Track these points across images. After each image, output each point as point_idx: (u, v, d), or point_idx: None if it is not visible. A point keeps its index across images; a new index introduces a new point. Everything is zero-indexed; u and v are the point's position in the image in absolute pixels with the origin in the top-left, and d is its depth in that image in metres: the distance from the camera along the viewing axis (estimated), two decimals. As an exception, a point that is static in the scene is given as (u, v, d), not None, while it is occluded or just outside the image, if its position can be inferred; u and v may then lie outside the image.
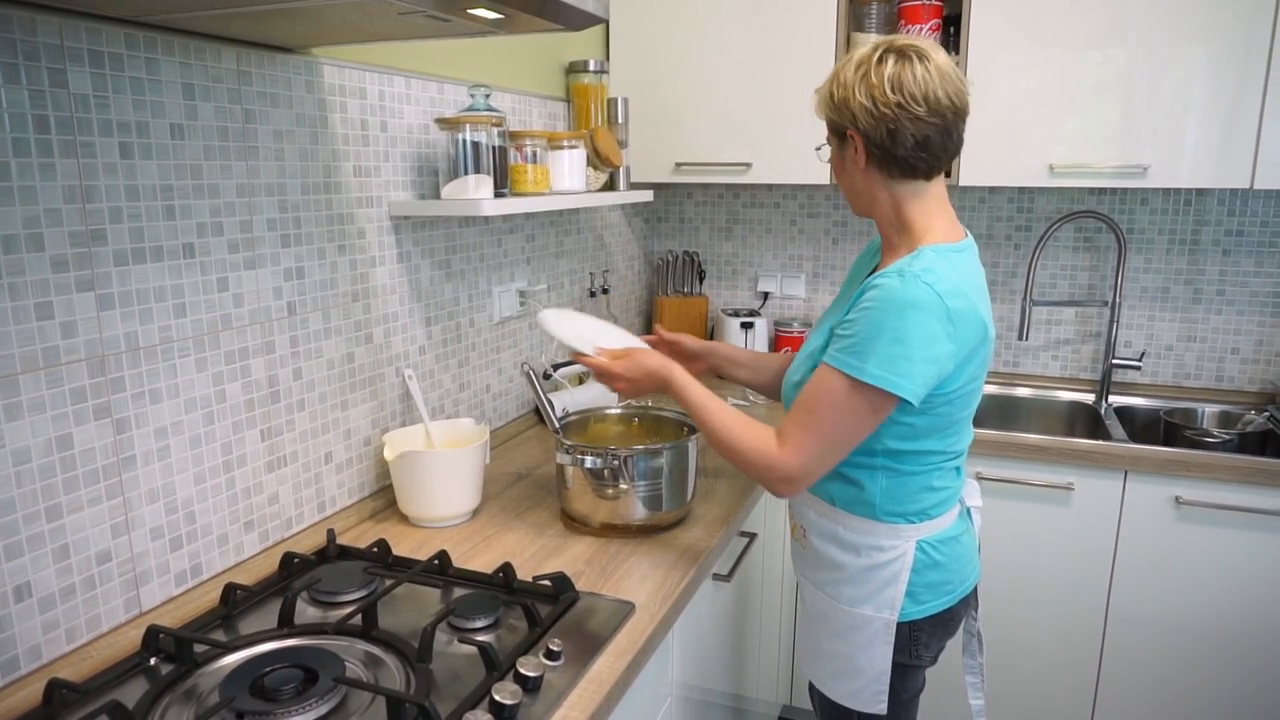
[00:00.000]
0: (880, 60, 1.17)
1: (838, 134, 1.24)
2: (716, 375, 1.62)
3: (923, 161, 1.20)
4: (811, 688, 1.46)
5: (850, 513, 1.29)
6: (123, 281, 1.10)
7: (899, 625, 1.29)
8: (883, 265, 1.27)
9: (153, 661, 1.08)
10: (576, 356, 1.46)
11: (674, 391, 1.33)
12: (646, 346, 1.45)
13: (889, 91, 1.15)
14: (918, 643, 1.32)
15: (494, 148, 1.56)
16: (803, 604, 1.45)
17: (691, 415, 1.32)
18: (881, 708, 1.33)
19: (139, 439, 1.14)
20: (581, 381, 2.14)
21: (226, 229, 1.24)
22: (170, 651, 1.08)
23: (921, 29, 2.11)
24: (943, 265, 1.16)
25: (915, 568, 1.28)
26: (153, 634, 1.09)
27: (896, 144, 1.18)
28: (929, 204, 1.24)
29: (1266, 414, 2.17)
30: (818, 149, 1.35)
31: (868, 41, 2.14)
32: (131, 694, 1.01)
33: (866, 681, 1.33)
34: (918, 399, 1.15)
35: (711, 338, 2.65)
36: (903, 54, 1.17)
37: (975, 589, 1.40)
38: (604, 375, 1.39)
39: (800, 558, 1.42)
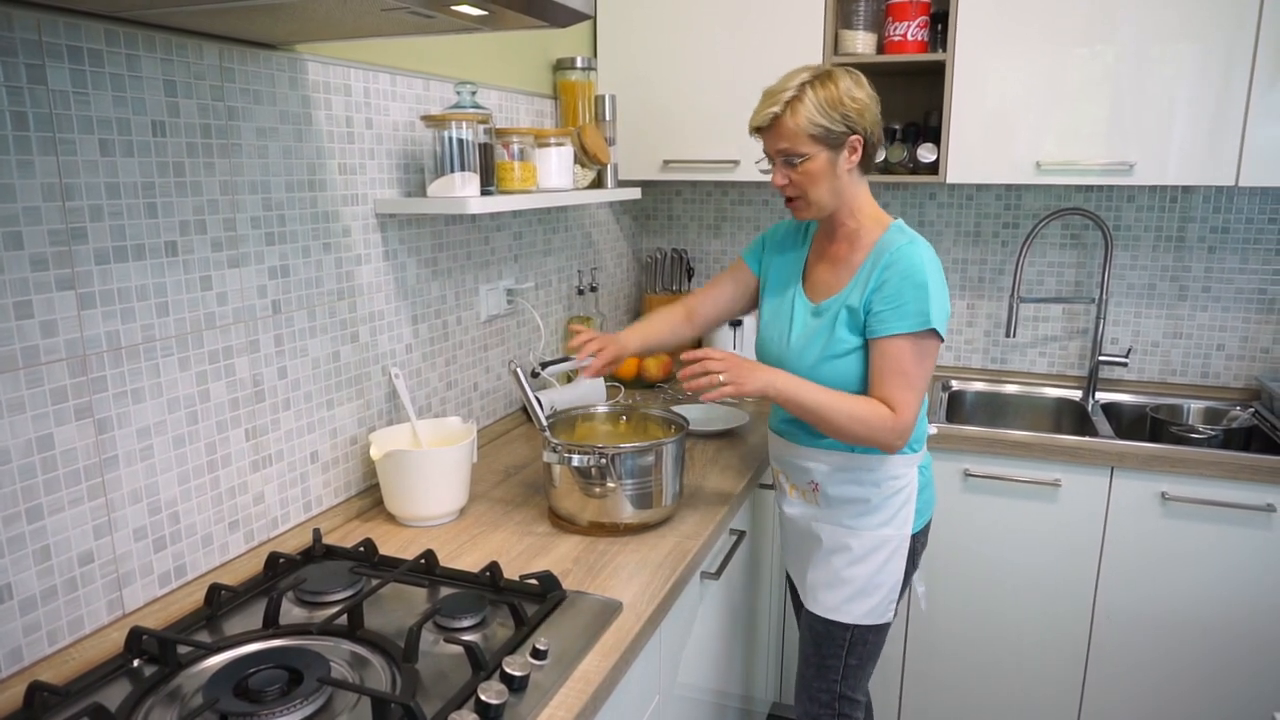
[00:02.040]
0: (854, 79, 1.41)
1: (833, 144, 1.40)
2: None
3: (877, 153, 1.53)
4: (805, 623, 1.62)
5: (870, 454, 1.50)
6: (104, 280, 1.09)
7: (910, 537, 1.54)
8: (856, 247, 1.48)
9: (136, 663, 1.07)
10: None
11: (782, 395, 1.41)
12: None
13: (877, 102, 1.43)
14: (916, 551, 1.58)
15: (480, 145, 1.56)
16: (815, 544, 1.58)
17: (810, 416, 1.42)
18: (892, 615, 1.57)
19: (121, 439, 1.13)
20: (570, 380, 2.14)
21: (210, 227, 1.23)
22: (153, 653, 1.07)
23: (909, 25, 2.11)
24: (915, 234, 1.46)
25: (919, 487, 1.54)
26: (136, 635, 1.08)
27: (880, 142, 1.47)
28: (866, 188, 1.51)
29: (1251, 410, 2.18)
30: (759, 163, 1.50)
31: (855, 39, 2.16)
32: (114, 696, 1.00)
33: (884, 595, 1.55)
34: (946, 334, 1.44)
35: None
36: (850, 71, 1.42)
37: None
38: (704, 362, 1.40)
39: (808, 510, 1.59)
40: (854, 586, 1.54)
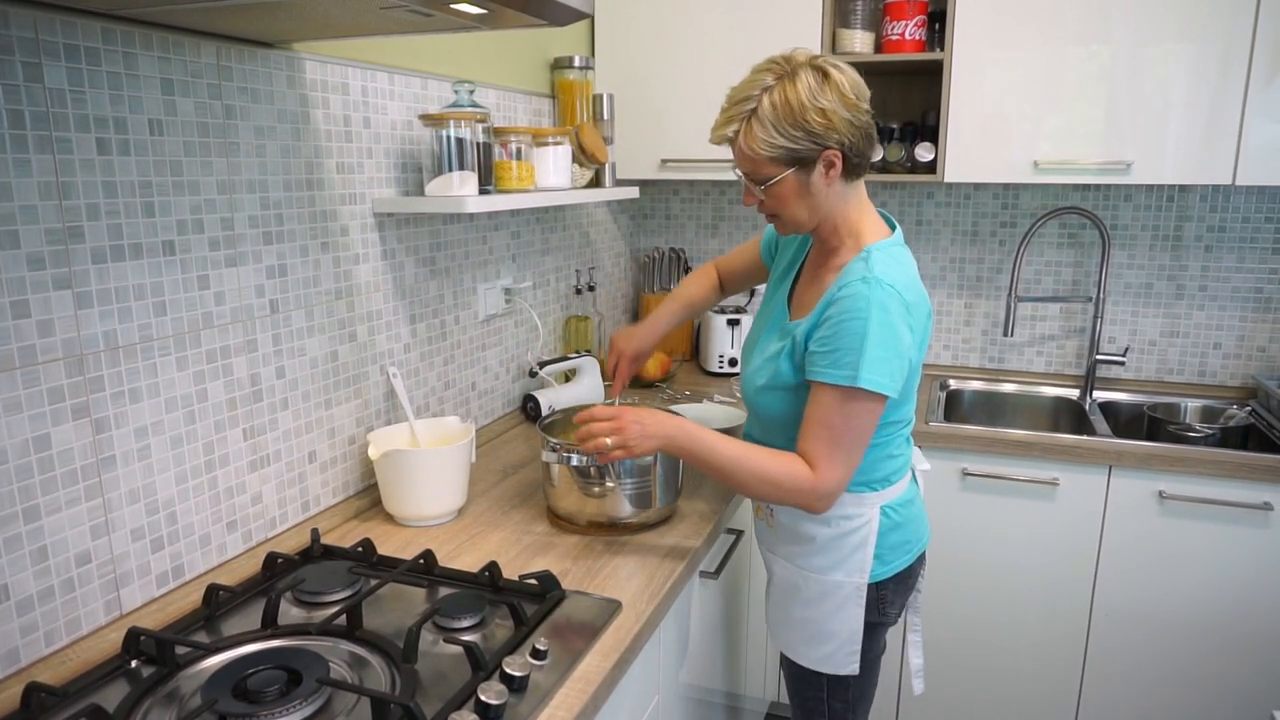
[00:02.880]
0: (823, 75, 1.20)
1: (802, 162, 1.22)
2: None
3: (872, 157, 1.29)
4: (782, 659, 1.51)
5: None
6: (101, 279, 1.08)
7: (869, 586, 1.38)
8: (827, 268, 1.33)
9: (134, 664, 1.06)
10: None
11: (683, 451, 1.28)
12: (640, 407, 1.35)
13: (857, 99, 1.22)
14: (884, 601, 1.40)
15: (478, 144, 1.55)
16: (771, 578, 1.50)
17: (715, 473, 1.28)
18: (854, 668, 1.41)
19: (119, 439, 1.13)
20: (568, 379, 2.14)
21: (207, 226, 1.23)
22: (151, 654, 1.07)
23: (907, 25, 2.11)
24: (892, 263, 1.25)
25: (881, 531, 1.37)
26: (133, 636, 1.07)
27: (869, 146, 1.26)
28: (863, 201, 1.32)
29: (1248, 409, 2.19)
30: (734, 168, 1.32)
31: (852, 38, 2.15)
32: (112, 697, 1.00)
33: (839, 644, 1.40)
34: (898, 393, 1.24)
35: (697, 335, 2.65)
36: (820, 67, 1.21)
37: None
38: (603, 433, 1.27)
39: (767, 535, 1.49)
40: (807, 630, 1.42)
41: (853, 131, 1.21)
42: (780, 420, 1.35)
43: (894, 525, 1.38)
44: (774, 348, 1.36)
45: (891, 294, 1.21)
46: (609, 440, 1.26)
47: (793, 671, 1.49)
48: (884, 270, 1.23)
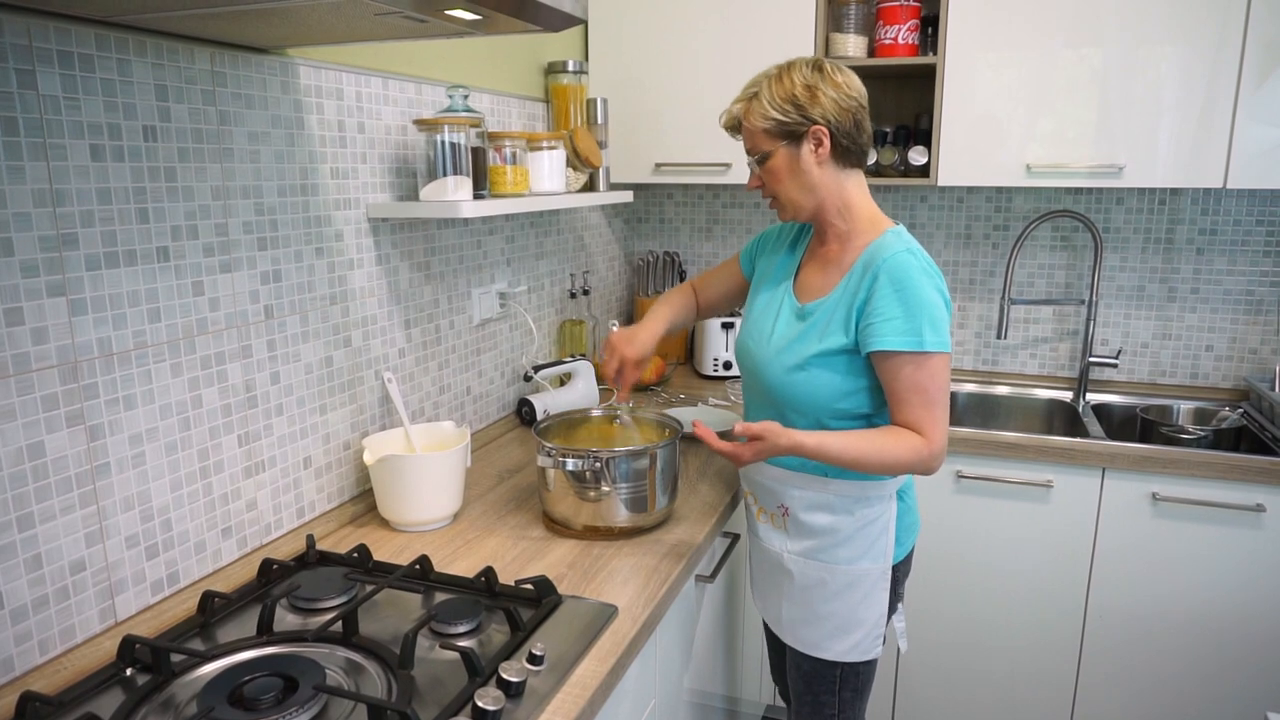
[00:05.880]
0: (817, 66, 1.34)
1: (790, 136, 1.34)
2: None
3: (866, 149, 1.39)
4: (790, 661, 1.53)
5: (844, 479, 1.40)
6: (95, 286, 1.08)
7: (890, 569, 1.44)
8: (843, 249, 1.40)
9: (129, 672, 1.06)
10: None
11: (806, 454, 1.33)
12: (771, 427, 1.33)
13: (848, 89, 1.34)
14: (897, 581, 1.48)
15: (473, 149, 1.56)
16: (787, 578, 1.48)
17: (837, 464, 1.33)
18: (879, 651, 1.47)
19: (113, 446, 1.12)
20: (563, 383, 2.14)
21: (201, 232, 1.22)
22: (147, 661, 1.06)
23: (900, 29, 2.12)
24: (913, 241, 1.36)
25: (897, 515, 1.44)
26: (128, 644, 1.07)
27: (860, 132, 1.35)
28: (864, 188, 1.41)
29: (1240, 410, 2.20)
30: (751, 161, 1.40)
31: (845, 42, 2.16)
32: (107, 705, 0.99)
33: (867, 630, 1.45)
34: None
35: (693, 338, 2.66)
36: (818, 61, 1.35)
37: None
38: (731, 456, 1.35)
39: (777, 537, 1.49)
40: (833, 623, 1.45)
41: (839, 112, 1.32)
42: (811, 396, 1.37)
43: (906, 509, 1.46)
44: (798, 327, 1.40)
45: (929, 263, 1.33)
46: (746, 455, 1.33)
47: (807, 670, 1.50)
48: (913, 243, 1.34)
